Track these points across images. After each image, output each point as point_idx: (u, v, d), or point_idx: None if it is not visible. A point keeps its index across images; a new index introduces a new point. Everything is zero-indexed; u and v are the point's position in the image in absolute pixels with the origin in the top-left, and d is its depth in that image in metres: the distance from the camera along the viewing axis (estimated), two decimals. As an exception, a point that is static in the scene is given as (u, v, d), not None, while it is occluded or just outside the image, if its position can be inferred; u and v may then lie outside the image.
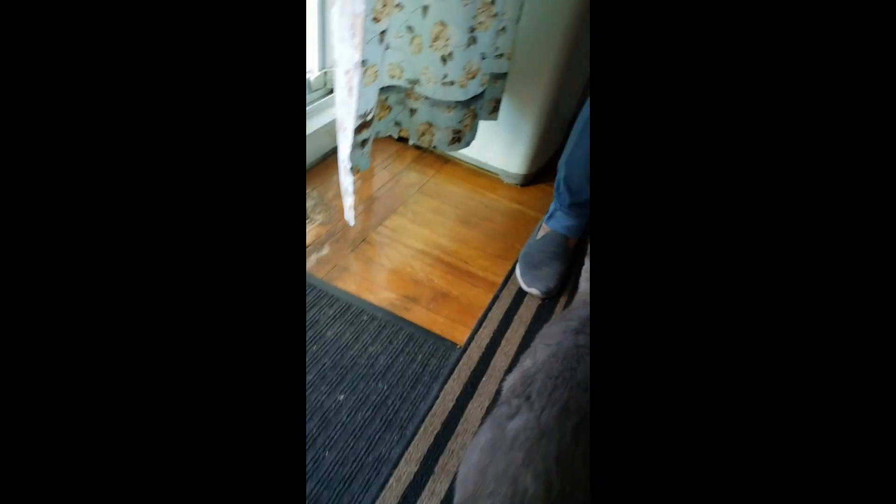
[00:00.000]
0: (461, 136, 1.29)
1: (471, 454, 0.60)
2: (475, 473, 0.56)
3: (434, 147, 1.25)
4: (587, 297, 0.85)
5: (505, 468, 0.53)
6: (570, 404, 0.57)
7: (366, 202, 1.64)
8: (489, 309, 1.36)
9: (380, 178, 1.75)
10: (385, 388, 1.11)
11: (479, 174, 1.85)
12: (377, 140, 1.91)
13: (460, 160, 1.87)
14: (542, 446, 0.53)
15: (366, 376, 1.12)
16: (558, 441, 0.54)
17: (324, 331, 1.22)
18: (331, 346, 1.18)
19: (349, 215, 1.23)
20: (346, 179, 1.14)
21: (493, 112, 1.45)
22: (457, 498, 0.59)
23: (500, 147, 1.72)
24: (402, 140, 1.90)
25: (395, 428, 1.04)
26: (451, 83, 1.15)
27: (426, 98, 1.19)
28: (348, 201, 1.20)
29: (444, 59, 1.12)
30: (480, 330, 1.29)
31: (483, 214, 1.70)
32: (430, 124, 1.24)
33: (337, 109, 1.01)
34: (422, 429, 1.05)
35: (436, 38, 1.08)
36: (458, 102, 1.21)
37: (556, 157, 1.96)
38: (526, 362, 0.73)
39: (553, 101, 1.58)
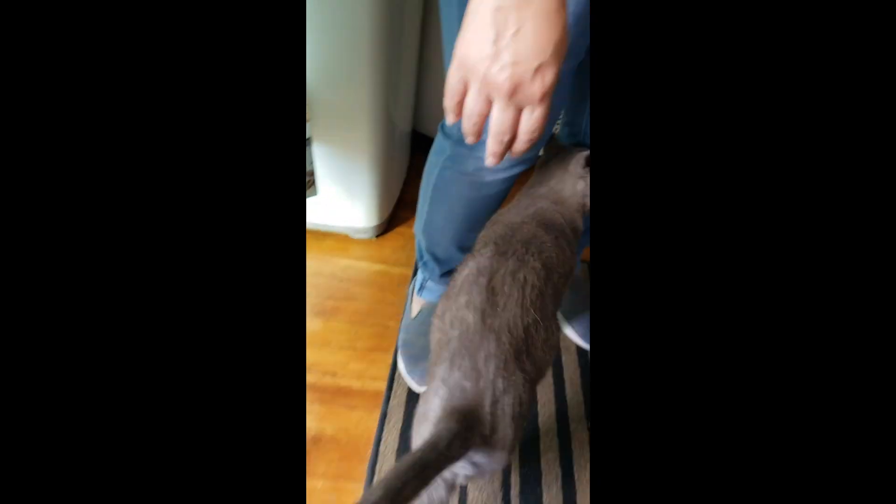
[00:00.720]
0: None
1: (437, 308, 0.69)
2: (438, 321, 0.67)
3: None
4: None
5: (455, 311, 0.64)
6: (497, 241, 0.71)
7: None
8: (379, 440, 1.05)
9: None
10: None
11: (325, 236, 1.49)
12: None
13: (295, 224, 1.50)
14: (479, 282, 0.65)
15: None
16: (489, 273, 0.65)
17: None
18: None
19: None
20: None
21: (310, 188, 1.10)
22: (432, 344, 0.69)
23: (339, 204, 1.37)
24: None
25: None
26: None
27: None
28: None
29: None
30: (376, 479, 0.98)
31: (341, 293, 1.36)
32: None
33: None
34: None
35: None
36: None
37: (409, 187, 1.65)
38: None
39: (383, 134, 1.25)
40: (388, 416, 1.08)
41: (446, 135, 0.86)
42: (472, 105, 0.48)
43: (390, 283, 1.39)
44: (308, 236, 1.49)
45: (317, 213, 1.42)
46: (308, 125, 1.00)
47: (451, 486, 0.62)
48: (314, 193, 1.12)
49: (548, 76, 0.44)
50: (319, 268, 1.41)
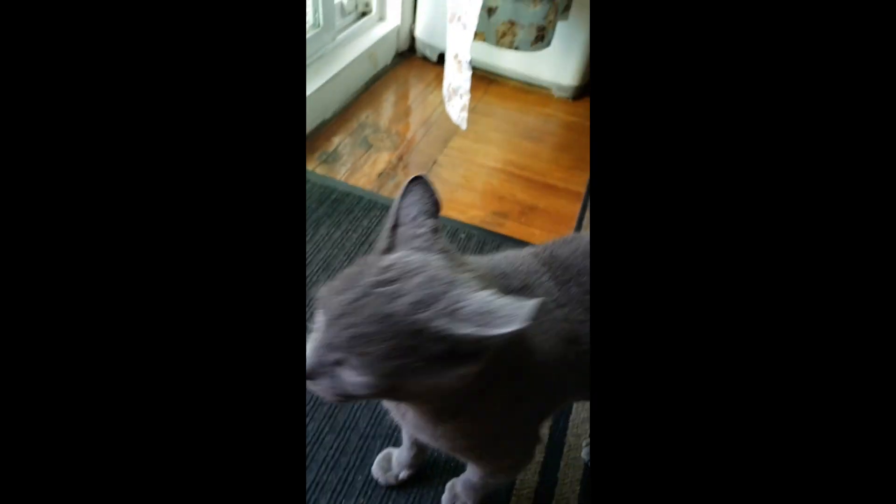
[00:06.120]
0: (544, 35, 1.21)
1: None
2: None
3: (516, 48, 1.17)
4: None
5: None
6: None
7: (424, 126, 1.56)
8: (581, 217, 1.31)
9: (430, 103, 1.66)
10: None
11: (528, 91, 1.77)
12: (414, 66, 1.81)
13: (506, 78, 1.79)
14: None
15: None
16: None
17: (426, 251, 1.16)
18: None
19: (462, 117, 1.15)
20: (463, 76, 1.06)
21: (566, 10, 1.36)
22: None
23: (551, 59, 1.63)
24: (442, 62, 1.81)
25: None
26: (542, -29, 1.07)
27: (510, -8, 1.10)
28: (461, 103, 1.12)
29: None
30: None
31: (544, 129, 1.63)
32: (512, 23, 1.16)
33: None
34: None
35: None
36: (545, -6, 1.12)
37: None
38: None
39: None
40: (587, 206, 1.35)
41: None
42: None
43: (585, 132, 1.64)
44: (513, 90, 1.77)
45: (527, 66, 1.69)
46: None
47: None
48: (567, 18, 1.38)
49: None
50: (525, 111, 1.69)
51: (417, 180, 0.50)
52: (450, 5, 1.00)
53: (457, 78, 1.08)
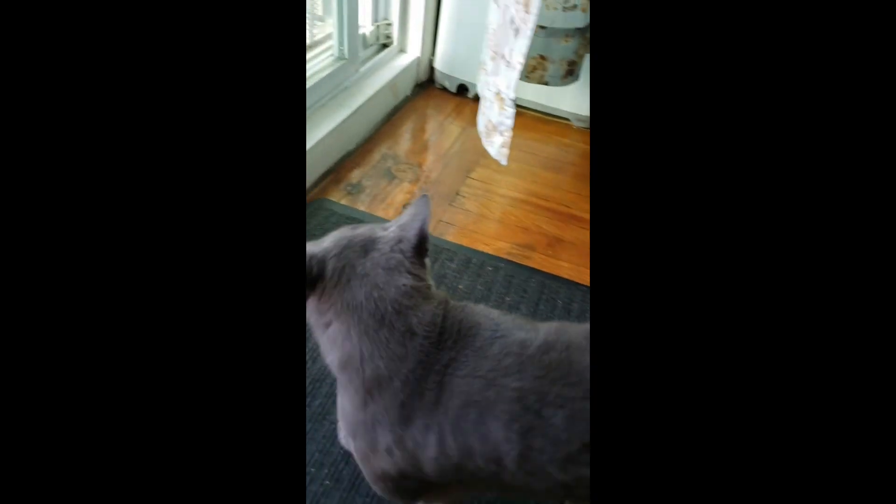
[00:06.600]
0: (574, 69, 1.21)
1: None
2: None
3: (545, 83, 1.17)
4: None
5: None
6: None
7: (445, 157, 1.56)
8: (608, 250, 1.30)
9: (450, 133, 1.66)
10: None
11: (547, 121, 1.77)
12: (433, 97, 1.82)
13: (525, 109, 1.79)
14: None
15: (518, 325, 1.06)
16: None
17: (455, 284, 1.15)
18: (467, 298, 1.11)
19: (502, 153, 1.15)
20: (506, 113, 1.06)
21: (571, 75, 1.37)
22: None
23: (570, 90, 1.64)
24: (460, 93, 1.82)
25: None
26: (574, 7, 1.07)
27: (542, 28, 1.10)
28: (502, 139, 1.11)
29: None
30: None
31: (564, 159, 1.63)
32: (543, 58, 1.16)
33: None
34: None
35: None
36: (577, 29, 1.13)
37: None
38: None
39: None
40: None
41: None
42: None
43: (605, 162, 1.64)
44: (533, 120, 1.77)
45: (547, 97, 1.70)
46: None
47: None
48: (576, 80, 1.39)
49: None
50: (545, 141, 1.69)
51: (423, 199, 0.61)
52: (491, 43, 1.01)
53: (498, 115, 1.08)
